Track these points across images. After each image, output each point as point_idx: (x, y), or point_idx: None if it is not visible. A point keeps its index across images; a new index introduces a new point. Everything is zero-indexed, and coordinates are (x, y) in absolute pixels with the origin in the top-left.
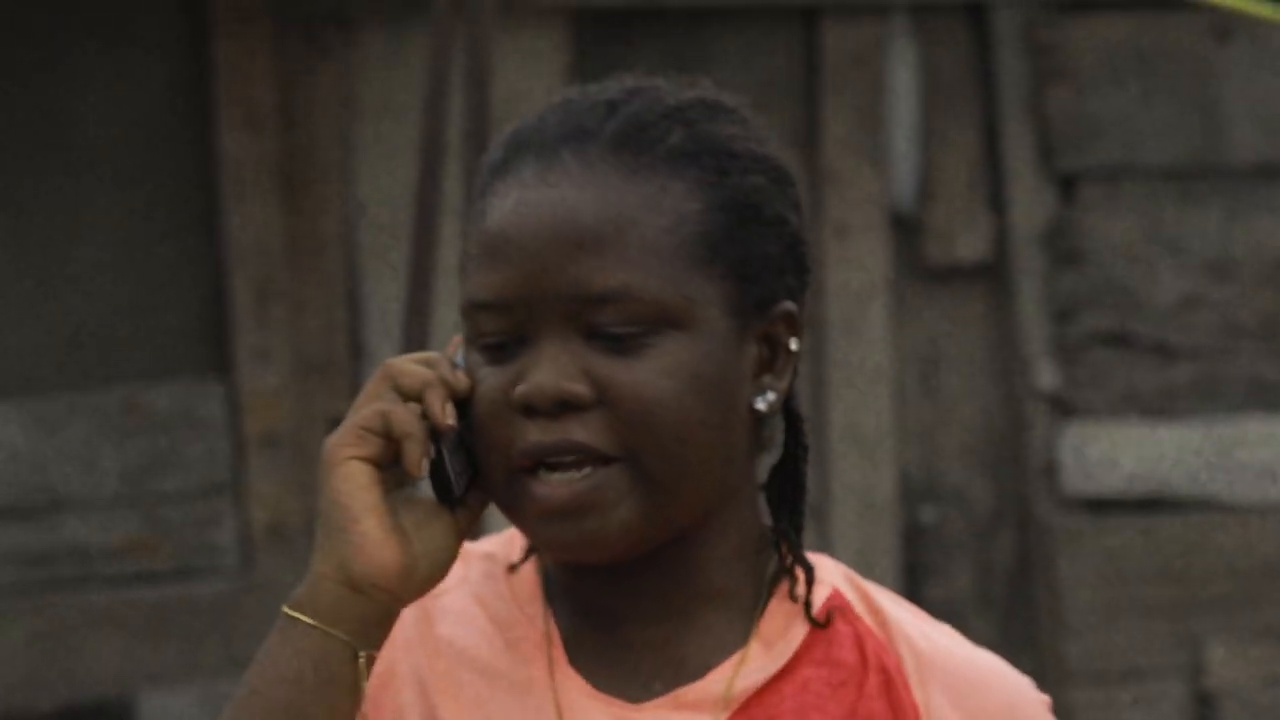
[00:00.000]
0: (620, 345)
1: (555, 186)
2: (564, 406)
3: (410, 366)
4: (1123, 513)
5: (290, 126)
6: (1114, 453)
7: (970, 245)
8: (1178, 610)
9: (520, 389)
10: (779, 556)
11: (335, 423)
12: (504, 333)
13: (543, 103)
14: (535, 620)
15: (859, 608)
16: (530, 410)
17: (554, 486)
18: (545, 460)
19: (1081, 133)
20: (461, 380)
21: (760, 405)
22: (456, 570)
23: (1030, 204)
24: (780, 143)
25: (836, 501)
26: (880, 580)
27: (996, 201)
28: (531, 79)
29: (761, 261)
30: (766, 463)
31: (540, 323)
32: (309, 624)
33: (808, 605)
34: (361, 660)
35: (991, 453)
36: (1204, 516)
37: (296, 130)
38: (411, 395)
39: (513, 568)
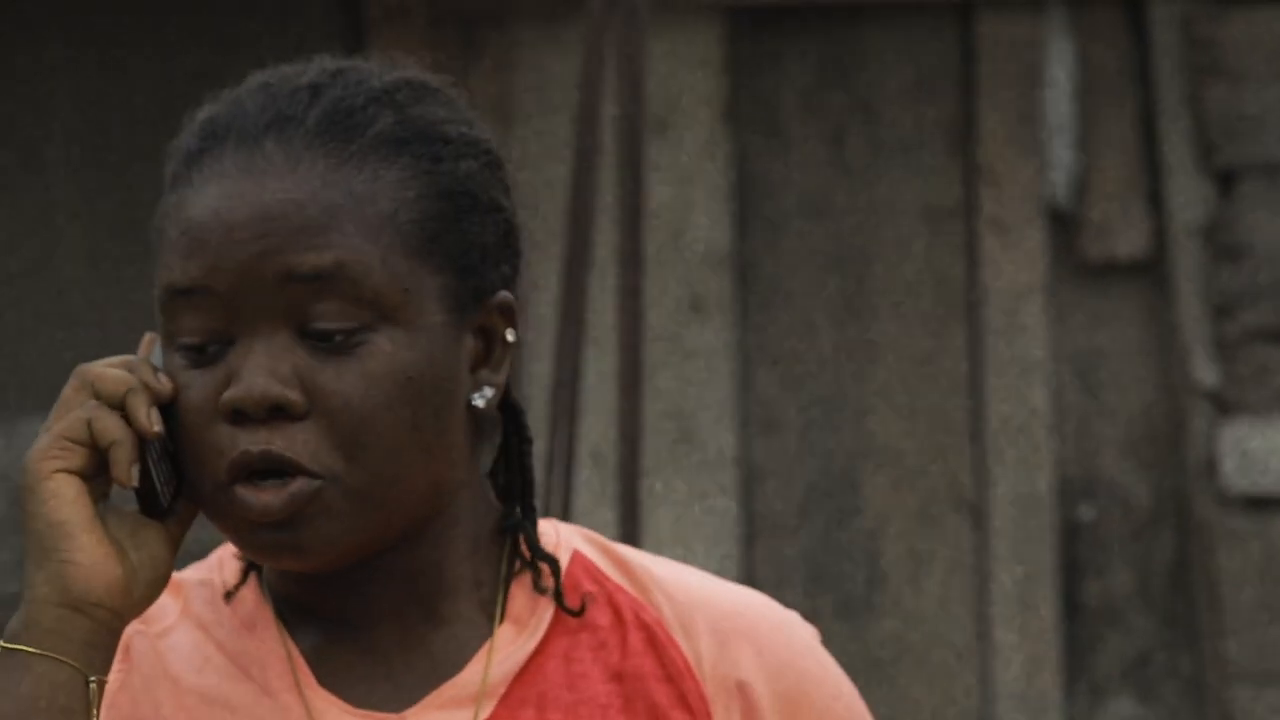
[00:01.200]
0: (333, 345)
1: (260, 178)
2: (275, 412)
3: (109, 371)
4: None
5: None
6: (1275, 450)
7: (1128, 241)
8: None
9: (228, 394)
10: (514, 544)
11: None
12: (206, 331)
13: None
14: (271, 644)
15: (606, 567)
16: (239, 416)
17: (260, 494)
18: (253, 469)
19: (1240, 128)
20: (165, 384)
21: (478, 402)
22: (175, 603)
23: (1189, 199)
24: (486, 124)
25: (994, 499)
26: (1039, 578)
27: (1155, 197)
28: (685, 76)
29: (479, 251)
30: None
31: (247, 320)
32: (32, 653)
33: (558, 596)
34: (93, 686)
35: (1150, 450)
36: None
37: None
38: (112, 401)
39: (229, 594)
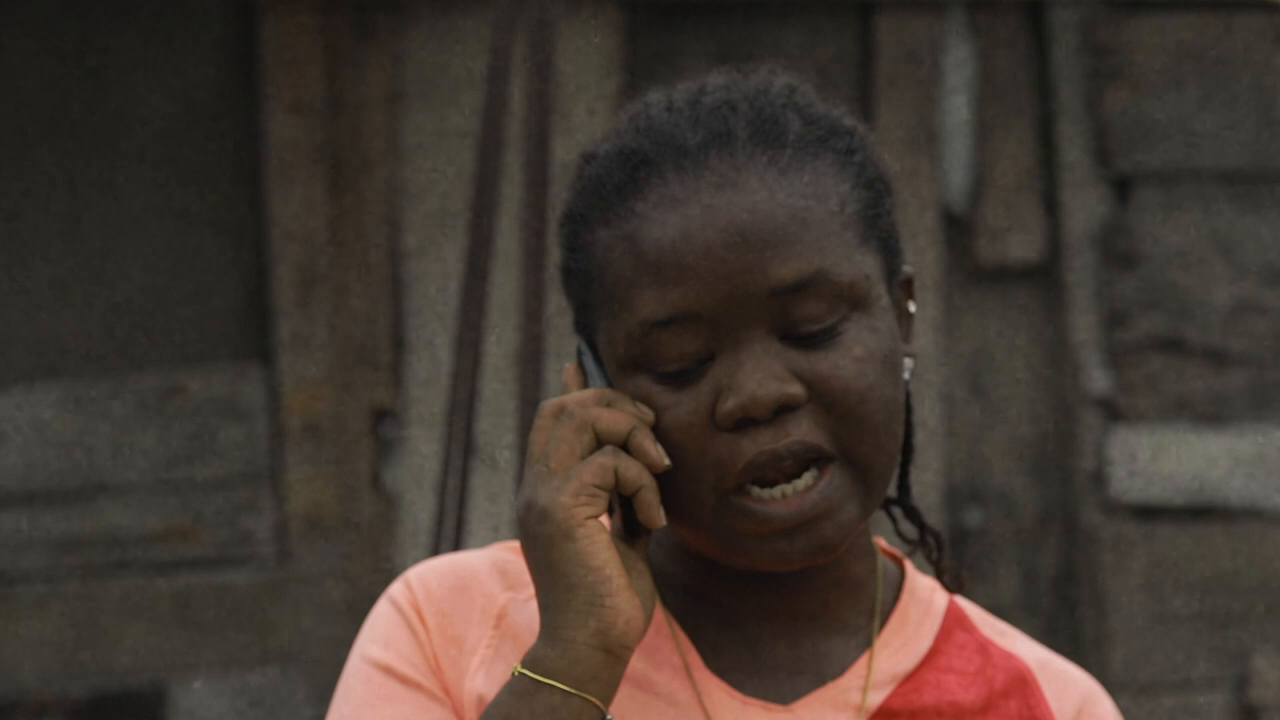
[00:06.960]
0: (816, 340)
1: (717, 193)
2: (781, 410)
3: (606, 412)
4: (1171, 520)
5: (337, 111)
6: (1164, 459)
7: (1022, 246)
8: (1225, 620)
9: (730, 405)
10: (898, 532)
11: (381, 415)
12: (690, 355)
13: (624, 112)
14: (660, 627)
15: (978, 619)
16: (744, 423)
17: (779, 503)
18: (759, 475)
19: (1138, 134)
20: (648, 413)
21: (906, 375)
22: None
23: (1084, 205)
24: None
25: None
26: None
27: (1050, 202)
28: (582, 71)
29: (895, 230)
30: None
31: (732, 333)
32: (563, 690)
33: (939, 569)
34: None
35: (1039, 456)
36: (1254, 526)
37: (343, 115)
38: (617, 441)
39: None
